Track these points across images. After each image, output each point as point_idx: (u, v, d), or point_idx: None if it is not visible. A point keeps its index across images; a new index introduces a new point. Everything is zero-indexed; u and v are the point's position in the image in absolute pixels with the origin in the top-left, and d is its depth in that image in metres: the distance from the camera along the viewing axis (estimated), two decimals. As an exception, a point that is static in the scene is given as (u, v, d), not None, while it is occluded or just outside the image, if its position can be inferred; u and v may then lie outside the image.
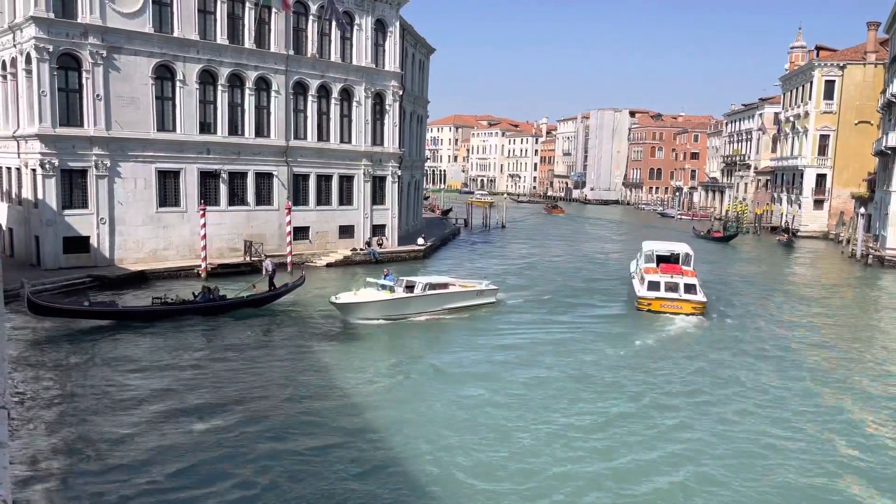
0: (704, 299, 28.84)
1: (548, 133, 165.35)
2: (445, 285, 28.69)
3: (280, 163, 38.18)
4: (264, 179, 37.88)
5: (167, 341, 22.43)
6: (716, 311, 29.86)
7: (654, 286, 29.09)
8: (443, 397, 18.16)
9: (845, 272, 46.20)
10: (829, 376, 21.24)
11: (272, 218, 37.99)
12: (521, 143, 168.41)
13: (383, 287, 27.07)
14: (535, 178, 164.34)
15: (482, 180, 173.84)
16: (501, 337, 24.98)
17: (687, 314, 28.12)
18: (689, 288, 28.82)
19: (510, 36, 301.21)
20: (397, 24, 42.57)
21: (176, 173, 34.54)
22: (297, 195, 39.12)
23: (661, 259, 32.27)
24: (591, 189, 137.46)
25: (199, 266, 33.32)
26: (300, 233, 39.00)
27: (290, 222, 36.68)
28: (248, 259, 35.69)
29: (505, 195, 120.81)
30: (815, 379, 20.88)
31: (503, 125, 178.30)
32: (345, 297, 25.90)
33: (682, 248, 33.19)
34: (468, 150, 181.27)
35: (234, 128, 36.54)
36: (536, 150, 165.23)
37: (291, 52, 37.79)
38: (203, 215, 33.47)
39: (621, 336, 25.32)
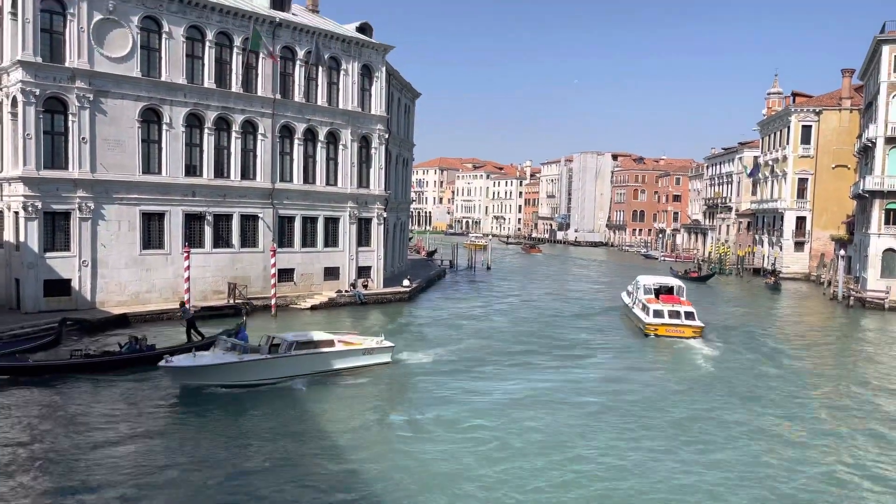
0: (703, 324, 33.76)
1: (532, 176, 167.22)
2: (322, 343, 24.38)
3: (266, 205, 38.20)
4: (249, 221, 37.83)
5: (53, 398, 20.58)
6: (712, 333, 34.52)
7: (658, 314, 33.76)
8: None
9: (828, 314, 46.59)
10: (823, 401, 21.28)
11: (257, 260, 37.83)
12: (506, 185, 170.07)
13: (233, 347, 22.82)
14: (519, 219, 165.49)
15: (467, 222, 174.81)
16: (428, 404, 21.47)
17: (688, 337, 32.79)
18: (689, 315, 33.72)
19: (494, 80, 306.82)
20: (383, 69, 43.23)
21: (161, 215, 34.41)
22: (283, 237, 39.06)
23: (660, 291, 36.87)
24: (576, 231, 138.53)
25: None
26: (285, 275, 38.82)
27: (274, 264, 36.52)
28: (231, 301, 35.39)
29: (490, 236, 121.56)
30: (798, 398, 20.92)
31: (488, 168, 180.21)
32: (179, 359, 21.81)
33: (674, 281, 38.79)
34: (453, 192, 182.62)
35: (221, 170, 36.61)
36: (521, 193, 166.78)
37: (278, 96, 38.17)
38: (187, 258, 33.29)
39: (641, 360, 28.92)
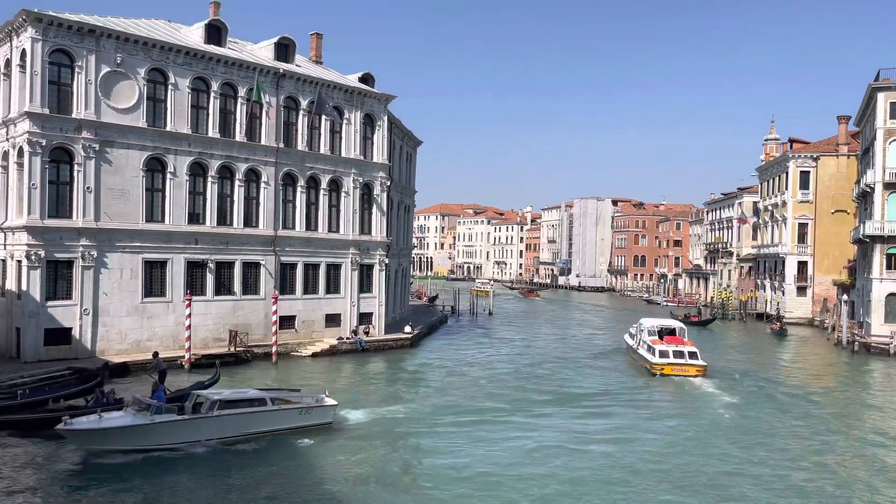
0: (706, 364, 35.83)
1: (532, 221, 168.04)
2: (252, 402, 22.17)
3: (268, 252, 38.31)
4: (251, 269, 37.88)
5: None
6: (720, 378, 35.55)
7: (664, 354, 35.80)
8: None
9: (833, 359, 46.17)
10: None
11: (258, 307, 37.74)
12: (507, 230, 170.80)
13: (146, 407, 20.77)
14: (521, 264, 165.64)
15: (469, 267, 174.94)
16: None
17: (693, 376, 34.83)
18: (693, 354, 35.84)
19: (494, 126, 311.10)
20: (385, 118, 43.87)
21: (163, 263, 34.49)
22: (284, 284, 39.05)
23: (663, 332, 39.16)
24: (577, 276, 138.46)
25: (183, 357, 32.76)
26: (286, 322, 38.68)
27: (276, 311, 36.43)
28: (232, 349, 35.19)
29: (492, 282, 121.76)
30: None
31: (489, 213, 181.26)
32: (80, 422, 19.70)
33: (676, 323, 41.47)
34: (454, 238, 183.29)
35: (223, 218, 36.84)
36: (522, 238, 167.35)
37: (282, 145, 38.65)
38: (189, 305, 33.23)
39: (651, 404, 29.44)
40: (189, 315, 33.10)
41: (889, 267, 48.51)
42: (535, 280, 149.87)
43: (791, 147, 72.34)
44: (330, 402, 23.81)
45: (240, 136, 37.05)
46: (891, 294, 48.20)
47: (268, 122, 38.01)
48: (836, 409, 29.84)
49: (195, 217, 35.78)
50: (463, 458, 20.95)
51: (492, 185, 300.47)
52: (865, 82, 50.52)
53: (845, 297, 55.17)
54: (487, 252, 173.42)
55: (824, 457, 22.30)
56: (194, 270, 35.55)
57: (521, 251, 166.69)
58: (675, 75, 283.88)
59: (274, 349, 35.95)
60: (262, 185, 38.06)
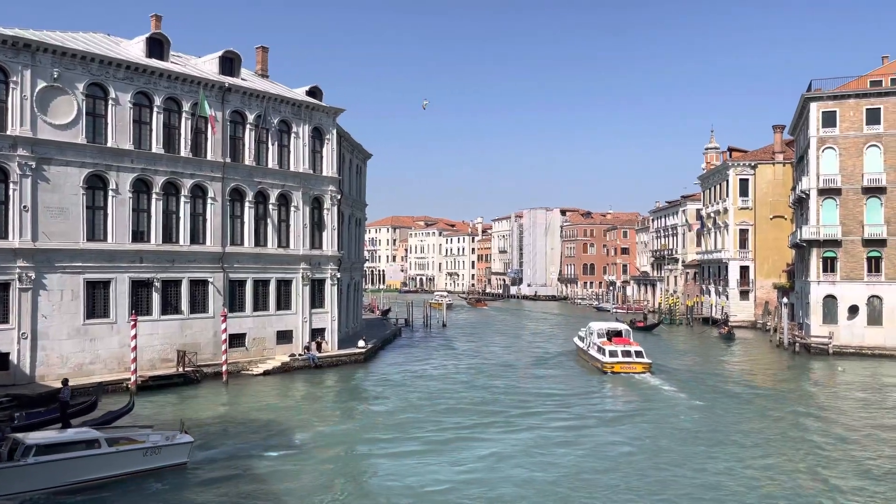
0: (651, 361, 39.55)
1: (483, 232, 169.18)
2: (81, 444, 19.06)
3: (216, 269, 37.54)
4: (199, 286, 37.05)
5: None
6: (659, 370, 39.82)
7: (613, 354, 39.37)
8: None
9: (775, 360, 47.76)
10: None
11: (207, 326, 36.91)
12: (458, 241, 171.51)
13: None
14: (473, 275, 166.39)
15: (421, 279, 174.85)
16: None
17: (640, 373, 38.26)
18: (639, 353, 39.58)
19: (443, 139, 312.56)
20: (334, 131, 43.65)
21: (106, 283, 33.43)
22: (234, 301, 38.30)
23: (611, 334, 42.82)
24: (528, 285, 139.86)
25: (129, 379, 31.77)
26: (236, 340, 37.93)
27: (225, 329, 35.71)
28: (181, 370, 34.30)
29: (446, 293, 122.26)
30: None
31: (440, 225, 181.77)
32: None
33: (622, 326, 45.54)
34: (406, 250, 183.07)
35: (169, 235, 35.97)
36: (473, 249, 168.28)
37: (228, 160, 38.03)
38: (134, 326, 32.28)
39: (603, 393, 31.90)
40: (135, 336, 32.14)
41: (825, 270, 50.46)
42: (488, 290, 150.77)
43: (730, 156, 74.89)
44: (184, 438, 20.68)
45: (185, 151, 36.31)
46: (828, 296, 50.11)
47: (213, 136, 37.38)
48: (778, 405, 30.81)
49: (139, 235, 34.85)
50: (418, 474, 20.72)
51: (442, 197, 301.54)
52: (799, 93, 52.66)
53: (785, 299, 57.12)
54: (440, 264, 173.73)
55: (766, 450, 22.97)
56: (139, 290, 34.57)
57: (473, 262, 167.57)
58: (620, 87, 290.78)
59: (224, 368, 35.20)
60: (209, 200, 37.34)
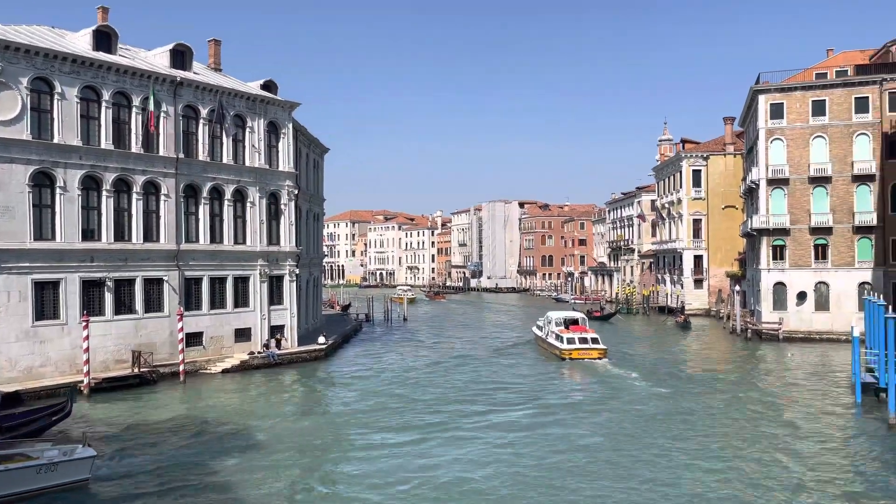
0: (606, 347, 41.61)
1: (443, 225, 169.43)
2: None
3: (171, 267, 36.80)
4: (154, 285, 36.27)
5: None
6: (613, 355, 41.95)
7: (571, 341, 41.35)
8: None
9: (728, 346, 49.06)
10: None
11: (163, 325, 36.18)
12: (418, 235, 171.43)
13: None
14: (433, 269, 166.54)
15: (381, 273, 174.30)
16: None
17: (596, 358, 40.25)
18: (595, 340, 41.66)
19: (401, 132, 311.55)
20: (290, 125, 43.12)
21: (55, 283, 32.45)
22: (190, 299, 37.61)
23: (568, 322, 45.01)
24: (488, 277, 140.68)
25: (82, 382, 30.96)
26: (193, 339, 37.27)
27: (181, 329, 35.07)
28: (136, 371, 33.57)
29: (408, 288, 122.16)
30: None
31: (399, 219, 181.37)
32: None
33: (578, 315, 48.03)
34: (366, 245, 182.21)
35: (121, 233, 35.11)
36: (433, 242, 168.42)
37: (181, 156, 37.25)
38: (86, 327, 31.45)
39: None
40: (87, 337, 31.32)
41: (775, 258, 51.95)
42: (448, 283, 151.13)
43: (683, 147, 76.40)
44: (86, 452, 18.74)
45: (136, 147, 35.43)
46: (777, 283, 51.62)
47: (166, 132, 36.56)
48: (729, 390, 31.68)
49: (90, 233, 33.91)
50: (383, 472, 20.61)
51: (401, 190, 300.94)
52: (748, 85, 53.95)
53: (738, 287, 58.63)
54: (399, 258, 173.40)
55: (718, 433, 23.64)
56: (91, 290, 33.67)
57: (433, 255, 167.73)
58: (576, 80, 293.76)
59: (181, 368, 34.58)
60: (163, 197, 36.55)
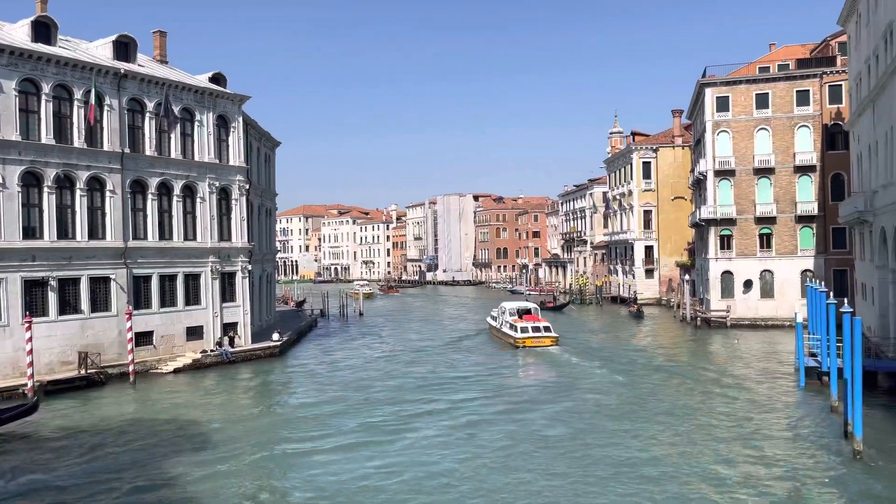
0: (557, 335, 43.93)
1: (398, 219, 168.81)
2: None
3: (118, 265, 35.78)
4: (100, 284, 35.23)
5: None
6: (565, 343, 44.23)
7: (524, 330, 43.40)
8: None
9: (678, 334, 50.25)
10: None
11: (111, 325, 35.18)
12: (373, 229, 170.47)
13: None
14: (388, 263, 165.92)
15: (336, 268, 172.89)
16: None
17: (548, 346, 42.45)
18: (547, 328, 43.98)
19: (353, 126, 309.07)
20: (240, 119, 42.33)
21: (-5, 284, 31.24)
22: (139, 298, 36.66)
23: (522, 312, 46.87)
24: (444, 271, 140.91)
25: (25, 385, 29.89)
26: (143, 338, 36.37)
27: (130, 328, 34.18)
28: (83, 372, 32.59)
29: (366, 283, 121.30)
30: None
31: (354, 213, 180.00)
32: None
33: (531, 305, 50.49)
34: (319, 240, 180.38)
35: (64, 231, 33.96)
36: (388, 236, 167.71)
37: (127, 150, 36.20)
38: (29, 328, 30.33)
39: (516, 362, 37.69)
40: (30, 339, 30.19)
41: (722, 247, 53.35)
42: (404, 277, 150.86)
43: (633, 140, 77.75)
44: None
45: (79, 141, 34.29)
46: (725, 272, 53.04)
47: (110, 126, 35.45)
48: (680, 374, 32.50)
49: (31, 231, 32.70)
50: (340, 471, 20.37)
51: (356, 184, 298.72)
52: (695, 79, 55.15)
53: (687, 276, 60.05)
54: (354, 252, 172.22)
55: (669, 415, 24.24)
56: (33, 290, 32.51)
57: (389, 249, 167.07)
58: (525, 73, 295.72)
59: (131, 368, 33.72)
60: (108, 193, 35.47)
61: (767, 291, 52.09)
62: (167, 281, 38.20)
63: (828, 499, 17.35)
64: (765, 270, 52.23)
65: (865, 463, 19.39)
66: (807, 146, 51.64)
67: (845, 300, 27.27)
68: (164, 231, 38.24)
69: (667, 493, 17.59)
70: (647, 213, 75.06)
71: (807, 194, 51.64)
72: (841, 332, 22.24)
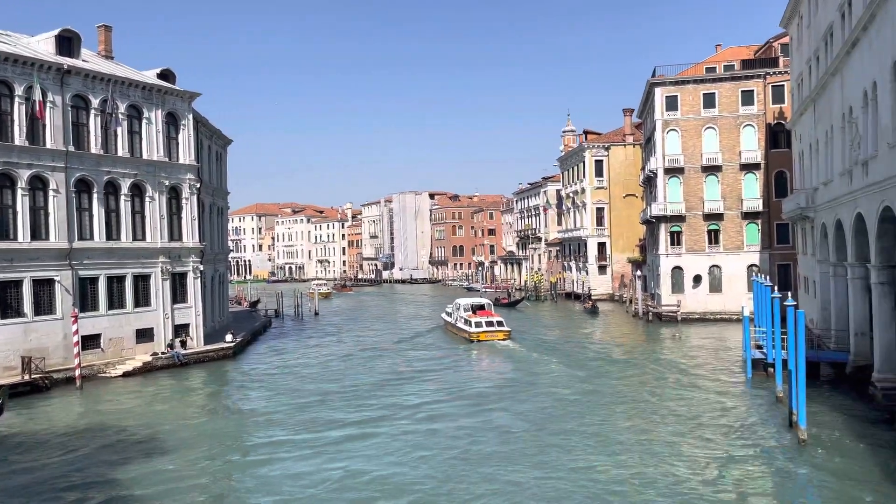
0: (510, 329, 45.52)
1: (353, 217, 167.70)
2: None
3: (63, 267, 34.67)
4: (44, 286, 34.08)
5: None
6: (516, 336, 45.83)
7: (479, 325, 45.20)
8: None
9: (630, 328, 51.22)
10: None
11: (55, 328, 34.08)
12: (328, 228, 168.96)
13: None
14: (344, 261, 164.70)
15: (290, 267, 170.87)
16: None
17: (501, 339, 44.17)
18: (500, 323, 45.75)
19: (306, 124, 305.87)
20: (190, 116, 41.44)
21: (-69, 287, 29.96)
22: (85, 300, 35.59)
23: (475, 308, 48.70)
24: (400, 269, 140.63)
25: (-35, 392, 28.71)
26: (90, 341, 35.32)
27: (77, 331, 33.17)
28: (27, 378, 31.49)
29: (324, 282, 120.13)
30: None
31: (308, 212, 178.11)
32: None
33: (484, 300, 52.42)
34: (273, 239, 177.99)
35: (5, 232, 32.74)
36: (344, 235, 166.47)
37: (72, 148, 35.10)
38: (-33, 333, 29.19)
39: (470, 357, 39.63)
40: (-31, 344, 29.09)
41: (672, 243, 54.55)
42: (360, 276, 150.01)
43: (586, 138, 78.86)
44: None
45: (20, 139, 33.07)
46: (675, 267, 54.25)
47: (53, 123, 34.30)
48: (632, 367, 33.15)
49: (-31, 232, 31.46)
50: (295, 477, 19.91)
51: (309, 183, 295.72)
52: (646, 78, 56.19)
53: (639, 272, 61.24)
54: (309, 251, 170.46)
55: (621, 407, 24.72)
56: (-28, 293, 31.28)
57: (344, 248, 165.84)
58: (480, 71, 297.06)
59: (77, 373, 32.73)
60: (51, 193, 34.33)
61: (716, 286, 53.47)
62: (115, 282, 37.20)
63: (774, 486, 17.93)
64: (713, 266, 53.61)
65: (810, 450, 20.09)
66: (752, 145, 53.16)
67: (789, 294, 28.22)
68: (112, 231, 37.22)
69: (616, 484, 17.92)
70: (599, 211, 76.24)
71: (752, 191, 53.18)
72: (785, 324, 22.97)
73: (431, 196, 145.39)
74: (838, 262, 30.64)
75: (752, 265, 52.60)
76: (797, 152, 42.68)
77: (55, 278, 34.34)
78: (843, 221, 28.56)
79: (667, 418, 24.38)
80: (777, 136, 52.73)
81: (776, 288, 30.83)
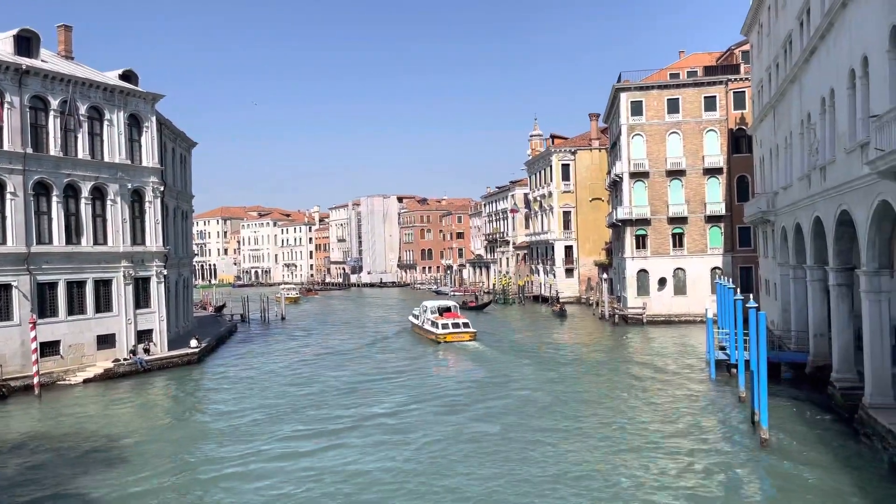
0: (475, 330, 47.08)
1: (321, 221, 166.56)
2: None
3: (20, 272, 33.77)
4: (1, 292, 33.16)
5: None
6: (482, 337, 47.39)
7: (445, 326, 46.70)
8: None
9: (597, 330, 51.70)
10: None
11: (13, 335, 33.15)
12: (295, 231, 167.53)
13: None
14: (311, 265, 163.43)
15: (256, 272, 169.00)
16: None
17: (467, 340, 45.77)
18: (466, 324, 47.32)
19: (273, 127, 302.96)
20: (153, 118, 40.73)
21: None
22: (44, 306, 34.71)
23: (442, 310, 50.14)
24: (368, 273, 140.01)
25: (-84, 402, 27.83)
26: (49, 348, 34.45)
27: (35, 338, 32.32)
28: (-18, 386, 30.59)
29: (293, 287, 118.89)
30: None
31: (274, 215, 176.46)
32: None
33: (451, 302, 54.47)
34: (239, 242, 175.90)
35: (-41, 236, 31.80)
36: (311, 239, 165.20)
37: (30, 150, 34.23)
38: (-81, 341, 28.26)
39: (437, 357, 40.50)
40: (-79, 352, 28.16)
41: (638, 246, 55.26)
42: (328, 280, 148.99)
43: (553, 143, 79.52)
44: None
45: (-25, 140, 32.17)
46: (641, 270, 54.95)
47: (11, 124, 33.40)
48: (599, 368, 33.48)
49: (-79, 237, 30.46)
50: (262, 489, 19.66)
51: (276, 186, 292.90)
52: (611, 83, 56.86)
53: (605, 275, 61.87)
54: (276, 255, 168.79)
55: (587, 407, 24.94)
56: (-76, 299, 30.29)
57: (311, 252, 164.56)
58: (448, 75, 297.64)
59: (36, 380, 31.89)
60: (8, 196, 33.43)
61: (680, 288, 54.29)
62: (76, 287, 36.35)
63: (737, 485, 18.23)
64: (678, 268, 54.43)
65: (771, 449, 20.48)
66: (714, 149, 54.17)
67: (751, 296, 28.74)
68: (72, 235, 36.38)
69: (581, 486, 18.04)
70: (566, 214, 76.90)
71: (715, 195, 54.15)
72: (748, 326, 23.40)
73: (400, 199, 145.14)
74: (798, 264, 31.35)
75: (715, 268, 53.52)
76: (758, 157, 43.59)
77: (12, 283, 33.43)
78: (802, 225, 29.23)
79: (630, 420, 24.64)
80: (739, 142, 53.80)
81: (738, 290, 31.41)
